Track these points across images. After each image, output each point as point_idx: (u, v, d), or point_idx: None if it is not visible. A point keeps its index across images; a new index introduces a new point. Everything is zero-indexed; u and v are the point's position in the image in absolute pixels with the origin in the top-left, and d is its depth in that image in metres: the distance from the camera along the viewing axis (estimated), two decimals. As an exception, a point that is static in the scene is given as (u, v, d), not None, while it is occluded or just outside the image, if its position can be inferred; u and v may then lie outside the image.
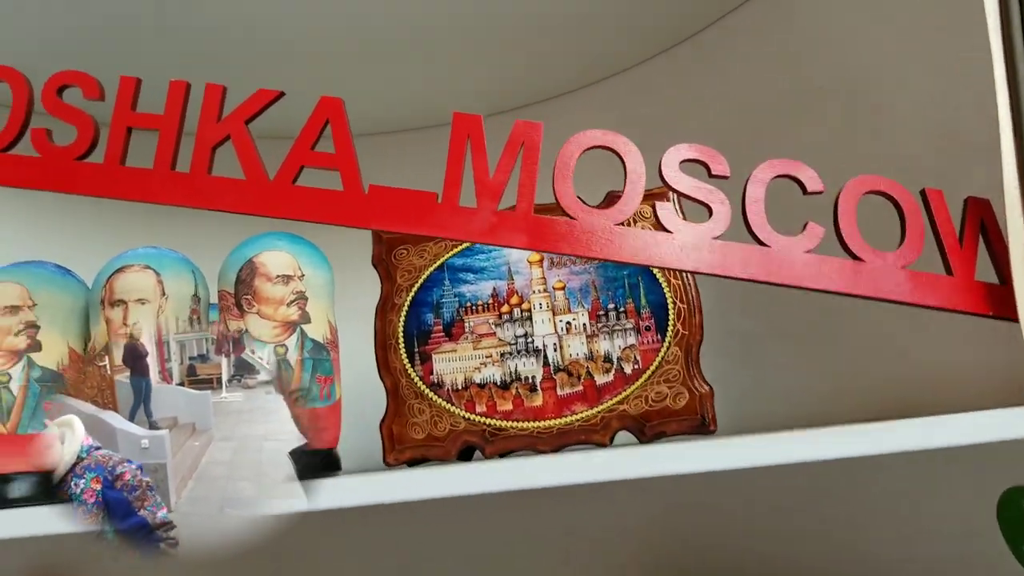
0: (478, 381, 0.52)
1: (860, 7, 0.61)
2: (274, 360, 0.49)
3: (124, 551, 0.41)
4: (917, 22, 0.55)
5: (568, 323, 0.52)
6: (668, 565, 0.71)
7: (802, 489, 0.58)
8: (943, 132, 0.52)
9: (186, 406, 0.45)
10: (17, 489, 0.48)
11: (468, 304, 0.54)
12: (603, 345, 0.51)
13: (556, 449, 0.50)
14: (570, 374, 0.51)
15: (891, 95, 0.58)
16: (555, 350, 0.52)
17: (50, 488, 0.43)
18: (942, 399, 0.50)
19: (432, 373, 0.53)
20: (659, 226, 0.40)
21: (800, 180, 0.40)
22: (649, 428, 0.49)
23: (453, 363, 0.53)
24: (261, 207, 0.42)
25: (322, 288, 0.53)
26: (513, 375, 0.52)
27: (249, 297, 0.51)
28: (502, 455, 0.51)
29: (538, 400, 0.51)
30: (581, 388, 0.51)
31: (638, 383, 0.50)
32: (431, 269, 0.55)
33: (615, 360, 0.51)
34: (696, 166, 0.40)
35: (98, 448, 0.43)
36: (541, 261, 0.53)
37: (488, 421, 0.51)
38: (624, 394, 0.50)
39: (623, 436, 0.50)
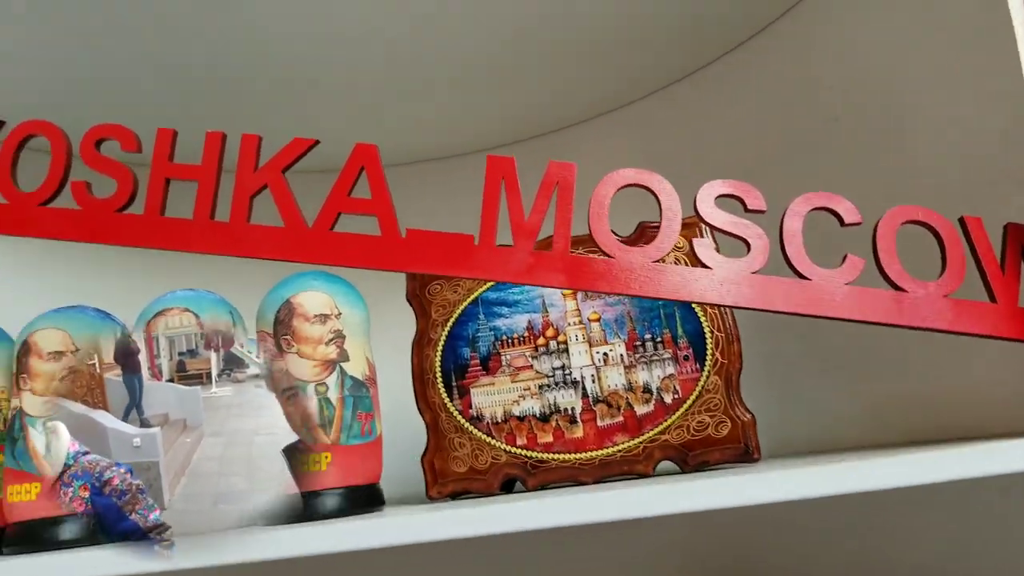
0: (517, 414, 0.52)
1: (884, 33, 0.60)
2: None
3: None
4: (944, 46, 0.55)
5: (605, 354, 0.52)
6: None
7: (845, 516, 0.57)
8: (974, 159, 0.51)
9: (177, 402, 0.45)
10: (68, 531, 0.48)
11: (504, 337, 0.54)
12: (642, 375, 0.51)
13: (598, 480, 0.50)
14: (610, 405, 0.51)
15: (920, 122, 0.57)
16: (593, 381, 0.52)
17: (100, 529, 0.42)
18: (980, 424, 0.49)
19: (471, 407, 0.53)
20: (693, 257, 0.40)
21: (837, 212, 0.40)
22: (692, 457, 0.49)
23: (491, 396, 0.53)
24: (301, 254, 0.43)
25: (358, 326, 0.53)
26: (552, 407, 0.52)
27: (288, 337, 0.52)
28: (544, 487, 0.51)
29: (579, 432, 0.51)
30: (621, 419, 0.51)
31: (679, 413, 0.50)
32: (465, 303, 0.55)
33: (655, 390, 0.51)
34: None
35: (85, 453, 0.43)
36: (575, 293, 0.53)
37: (529, 453, 0.51)
38: (665, 424, 0.50)
39: (664, 465, 0.50)
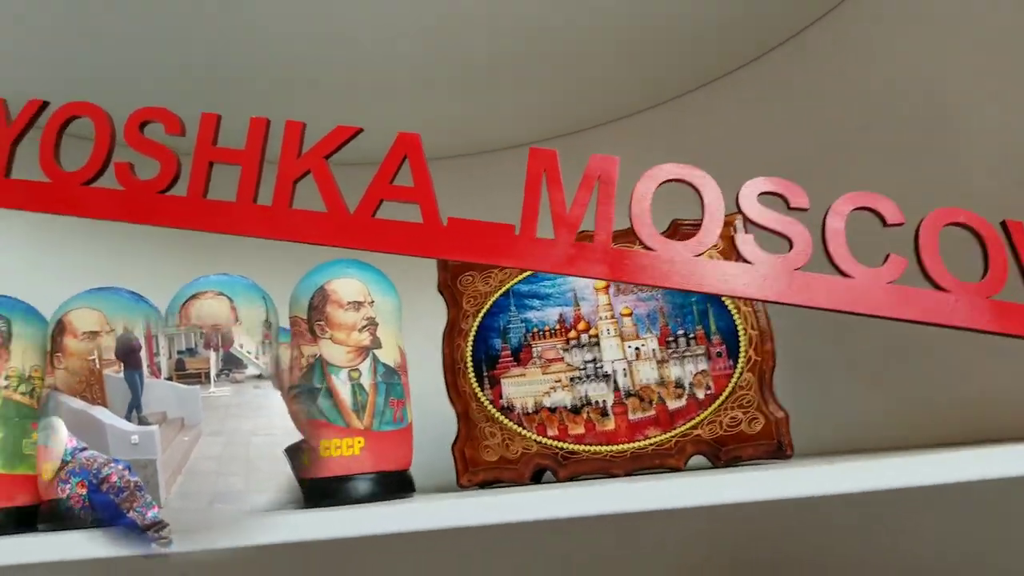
0: (548, 405, 0.53)
1: (923, 36, 0.60)
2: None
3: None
4: (985, 49, 0.54)
5: (637, 349, 0.52)
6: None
7: (873, 515, 0.57)
8: (1016, 162, 0.51)
9: (175, 401, 0.45)
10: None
11: (535, 329, 0.54)
12: (674, 371, 0.51)
13: (630, 473, 0.50)
14: (641, 399, 0.51)
15: (960, 125, 0.57)
16: (625, 375, 0.52)
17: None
18: (1013, 425, 0.49)
19: (502, 397, 0.53)
20: (729, 254, 0.40)
21: (880, 212, 0.40)
22: (724, 453, 0.49)
23: (522, 387, 0.53)
24: (343, 239, 0.43)
25: (391, 314, 0.54)
26: (583, 400, 0.52)
27: (322, 323, 0.52)
28: (575, 478, 0.52)
29: (610, 424, 0.51)
30: (653, 413, 0.51)
31: (712, 408, 0.50)
32: (497, 295, 0.55)
33: (687, 385, 0.51)
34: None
35: (83, 450, 0.43)
36: (607, 288, 0.53)
37: (560, 444, 0.52)
38: (698, 419, 0.50)
39: (695, 461, 0.51)
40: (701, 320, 0.51)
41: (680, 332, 0.52)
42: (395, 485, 0.50)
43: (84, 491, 0.42)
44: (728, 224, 0.50)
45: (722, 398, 0.50)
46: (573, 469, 0.52)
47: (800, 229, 0.39)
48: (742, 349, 0.50)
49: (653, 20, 0.68)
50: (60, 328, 0.53)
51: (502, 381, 0.54)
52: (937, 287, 0.39)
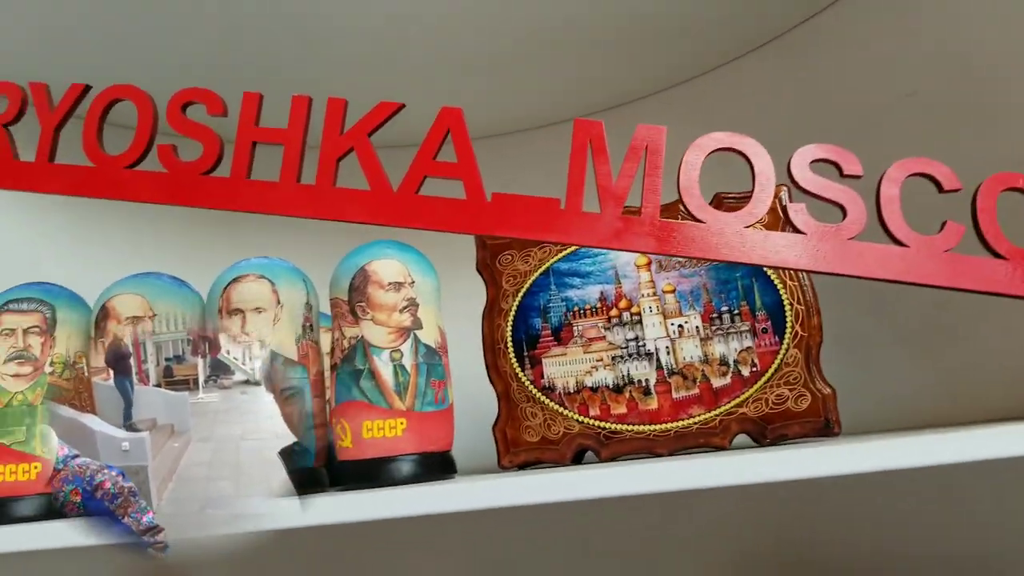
0: (590, 385, 0.52)
1: (969, 5, 0.59)
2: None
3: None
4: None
5: (680, 326, 0.51)
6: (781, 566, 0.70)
7: (918, 499, 0.56)
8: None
9: (164, 407, 0.45)
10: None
11: (575, 308, 0.54)
12: (718, 348, 0.51)
13: (673, 452, 0.50)
14: (685, 377, 0.51)
15: (1006, 97, 0.56)
16: (668, 353, 0.51)
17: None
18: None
19: (543, 377, 0.53)
20: (775, 226, 0.40)
21: (936, 178, 0.39)
22: (771, 431, 0.48)
23: (563, 367, 0.53)
24: (386, 217, 0.43)
25: (430, 294, 0.54)
26: (626, 379, 0.52)
27: (363, 304, 0.52)
28: (617, 458, 0.51)
29: (653, 403, 0.51)
30: (697, 391, 0.50)
31: (757, 385, 0.49)
32: (537, 274, 0.55)
33: (731, 363, 0.50)
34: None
35: (75, 457, 0.43)
36: (649, 264, 0.53)
37: (602, 424, 0.51)
38: (743, 397, 0.49)
39: (740, 439, 0.50)
40: (746, 296, 0.51)
41: (724, 308, 0.51)
42: (437, 466, 0.50)
43: (79, 499, 0.42)
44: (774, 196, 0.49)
45: (768, 375, 0.49)
46: (615, 449, 0.51)
47: (854, 197, 0.39)
48: (788, 324, 0.49)
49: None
50: (103, 314, 0.53)
51: (543, 361, 0.54)
52: (996, 255, 0.38)
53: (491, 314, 0.56)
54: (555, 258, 0.55)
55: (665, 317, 0.52)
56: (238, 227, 0.72)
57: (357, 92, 0.46)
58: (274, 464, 0.43)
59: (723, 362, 0.50)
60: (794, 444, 0.47)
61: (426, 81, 0.78)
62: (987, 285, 0.38)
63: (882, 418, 0.60)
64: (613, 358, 0.52)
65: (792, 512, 0.68)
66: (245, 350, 0.47)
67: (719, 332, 0.51)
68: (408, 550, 0.77)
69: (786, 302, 0.50)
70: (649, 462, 0.44)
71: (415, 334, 0.52)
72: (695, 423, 0.50)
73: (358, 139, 0.44)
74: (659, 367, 0.51)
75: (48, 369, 0.53)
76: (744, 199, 0.44)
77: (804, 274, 0.50)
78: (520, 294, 0.55)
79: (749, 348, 0.50)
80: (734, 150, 0.40)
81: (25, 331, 0.54)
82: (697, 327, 0.51)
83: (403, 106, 0.44)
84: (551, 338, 0.54)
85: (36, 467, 0.48)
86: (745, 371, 0.50)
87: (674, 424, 0.50)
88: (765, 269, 0.50)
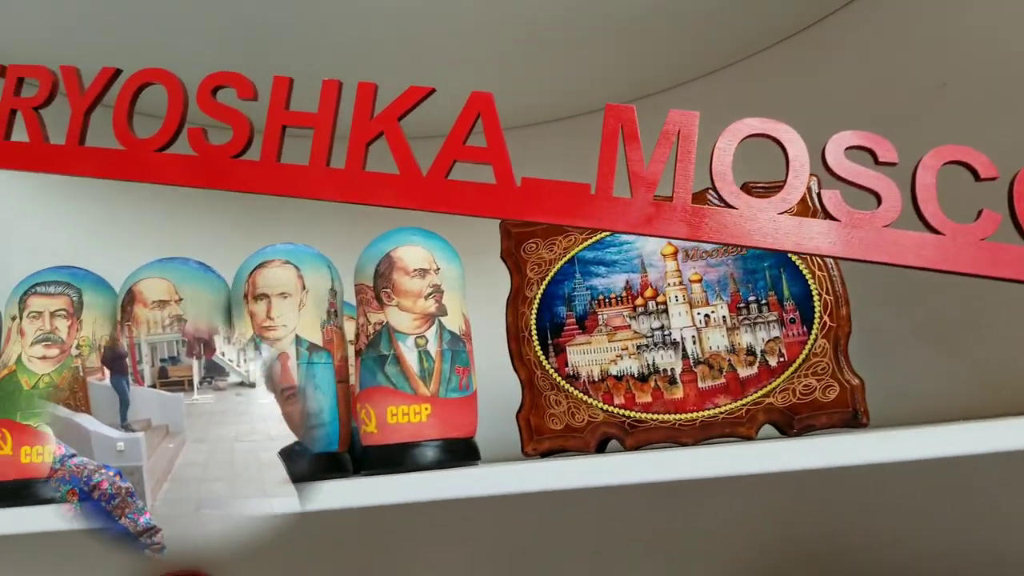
0: (615, 373, 0.52)
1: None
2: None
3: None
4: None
5: (707, 316, 0.51)
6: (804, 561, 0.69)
7: (947, 494, 0.56)
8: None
9: (159, 408, 0.45)
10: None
11: (601, 297, 0.54)
12: (745, 338, 0.50)
13: (699, 442, 0.50)
14: (711, 367, 0.50)
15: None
16: (694, 343, 0.51)
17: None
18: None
19: (567, 365, 0.53)
20: (804, 214, 0.39)
21: (972, 166, 0.39)
22: (798, 421, 0.48)
23: (588, 355, 0.53)
24: (416, 201, 0.43)
25: (455, 281, 0.54)
26: (651, 368, 0.51)
27: (388, 291, 0.52)
28: (642, 447, 0.51)
29: (678, 392, 0.51)
30: (723, 381, 0.50)
31: (784, 376, 0.49)
32: (561, 262, 0.55)
33: (759, 353, 0.50)
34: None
35: (72, 456, 0.43)
36: (675, 254, 0.53)
37: (627, 413, 0.51)
38: (770, 387, 0.49)
39: (766, 430, 0.50)
40: (774, 285, 0.50)
41: (752, 298, 0.51)
42: (461, 453, 0.50)
43: (75, 499, 0.42)
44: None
45: (795, 365, 0.49)
46: (640, 438, 0.51)
47: (889, 184, 0.38)
48: (817, 314, 0.49)
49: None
50: (130, 297, 0.54)
51: (567, 349, 0.53)
52: (1032, 244, 0.38)
53: (515, 302, 0.55)
54: (580, 246, 0.55)
55: (691, 306, 0.52)
56: (264, 214, 0.73)
57: (382, 81, 0.46)
58: (268, 465, 0.43)
59: (750, 352, 0.50)
60: (820, 435, 0.47)
61: (443, 73, 0.78)
62: (1024, 274, 0.37)
63: (908, 411, 0.60)
64: (638, 347, 0.52)
65: (814, 504, 0.67)
66: (240, 352, 0.47)
67: (746, 322, 0.51)
68: (432, 535, 0.77)
69: (815, 292, 0.49)
70: (672, 450, 0.44)
71: (440, 320, 0.52)
72: (721, 413, 0.50)
73: (388, 123, 0.44)
74: (685, 356, 0.51)
75: (74, 352, 0.54)
76: (773, 188, 0.43)
77: (833, 264, 0.49)
78: (545, 282, 0.55)
79: (777, 338, 0.50)
80: (768, 136, 0.40)
81: (52, 314, 0.54)
82: (724, 316, 0.51)
83: (433, 90, 0.44)
84: (576, 326, 0.54)
85: (60, 449, 0.48)
86: (772, 361, 0.50)
87: (700, 413, 0.50)
88: (793, 259, 0.50)
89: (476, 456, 0.51)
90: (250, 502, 0.42)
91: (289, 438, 0.44)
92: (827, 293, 0.49)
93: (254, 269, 0.54)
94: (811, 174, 0.46)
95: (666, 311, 0.52)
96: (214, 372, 0.46)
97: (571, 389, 0.53)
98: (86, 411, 0.45)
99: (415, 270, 0.52)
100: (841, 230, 0.38)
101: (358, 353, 0.52)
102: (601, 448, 0.53)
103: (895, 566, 0.65)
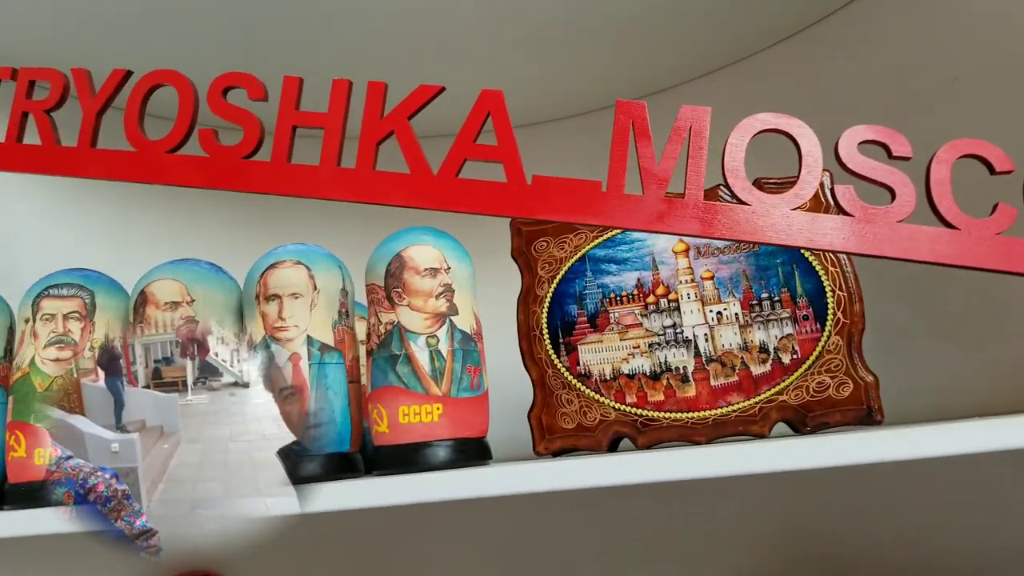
0: (626, 371, 0.52)
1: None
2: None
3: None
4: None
5: (719, 313, 0.51)
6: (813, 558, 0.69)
7: (958, 494, 0.55)
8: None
9: (153, 409, 0.45)
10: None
11: (612, 295, 0.53)
12: (758, 335, 0.50)
13: (711, 440, 0.50)
14: (724, 364, 0.50)
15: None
16: (706, 340, 0.51)
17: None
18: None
19: (578, 363, 0.53)
20: (816, 210, 0.39)
21: (987, 159, 0.38)
22: (811, 419, 0.48)
23: (600, 354, 0.53)
24: (427, 200, 0.43)
25: (466, 280, 0.54)
26: (663, 366, 0.51)
27: (399, 290, 0.52)
28: (654, 446, 0.51)
29: (691, 391, 0.50)
30: (736, 378, 0.50)
31: (798, 373, 0.49)
32: (572, 260, 0.55)
33: (772, 350, 0.50)
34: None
35: (68, 458, 0.43)
36: (687, 251, 0.52)
37: (639, 411, 0.51)
38: (783, 384, 0.49)
39: (779, 428, 0.49)
40: (786, 282, 0.50)
41: (764, 295, 0.50)
42: (473, 452, 0.50)
43: (71, 502, 0.42)
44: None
45: (809, 362, 0.49)
46: (652, 436, 0.51)
47: (903, 179, 0.38)
48: (830, 311, 0.49)
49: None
50: (142, 299, 0.54)
51: (579, 347, 0.53)
52: (1049, 238, 0.37)
53: (526, 301, 0.55)
54: (591, 245, 0.54)
55: (704, 304, 0.51)
56: (274, 214, 0.73)
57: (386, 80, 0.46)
58: (263, 465, 0.43)
59: (763, 349, 0.50)
60: (834, 432, 0.47)
61: (444, 72, 0.78)
62: (1041, 269, 0.37)
63: (923, 408, 0.59)
64: (650, 345, 0.52)
65: (829, 503, 0.67)
66: (233, 352, 0.47)
67: (759, 319, 0.50)
68: (443, 535, 0.77)
69: (828, 288, 0.49)
70: (685, 448, 0.44)
71: (451, 320, 0.52)
72: (734, 411, 0.50)
73: (398, 122, 0.44)
74: (697, 354, 0.51)
75: (87, 354, 0.54)
76: (785, 184, 0.43)
77: (846, 260, 0.49)
78: (556, 281, 0.55)
79: (790, 335, 0.49)
80: (780, 131, 0.40)
81: (65, 316, 0.54)
82: (736, 314, 0.51)
83: (443, 89, 0.44)
84: (587, 325, 0.54)
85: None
86: (785, 358, 0.49)
87: (712, 412, 0.50)
88: (806, 255, 0.50)
89: (488, 456, 0.51)
90: (245, 502, 0.42)
91: (285, 437, 0.44)
92: (840, 289, 0.49)
93: (265, 270, 0.54)
94: (824, 169, 0.45)
95: (678, 309, 0.52)
96: (208, 372, 0.46)
97: (583, 388, 0.52)
98: (80, 413, 0.45)
99: (426, 269, 0.52)
100: (855, 225, 0.38)
101: (369, 353, 0.52)
102: (613, 447, 0.53)
103: (917, 564, 0.64)
